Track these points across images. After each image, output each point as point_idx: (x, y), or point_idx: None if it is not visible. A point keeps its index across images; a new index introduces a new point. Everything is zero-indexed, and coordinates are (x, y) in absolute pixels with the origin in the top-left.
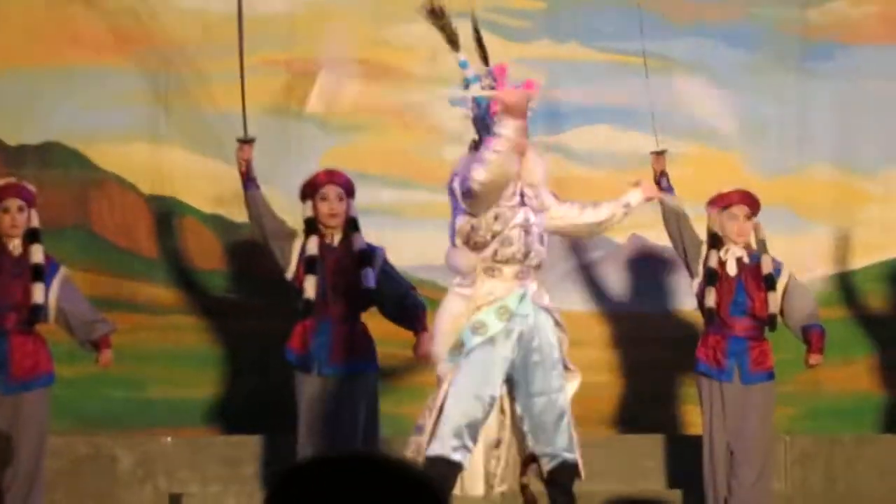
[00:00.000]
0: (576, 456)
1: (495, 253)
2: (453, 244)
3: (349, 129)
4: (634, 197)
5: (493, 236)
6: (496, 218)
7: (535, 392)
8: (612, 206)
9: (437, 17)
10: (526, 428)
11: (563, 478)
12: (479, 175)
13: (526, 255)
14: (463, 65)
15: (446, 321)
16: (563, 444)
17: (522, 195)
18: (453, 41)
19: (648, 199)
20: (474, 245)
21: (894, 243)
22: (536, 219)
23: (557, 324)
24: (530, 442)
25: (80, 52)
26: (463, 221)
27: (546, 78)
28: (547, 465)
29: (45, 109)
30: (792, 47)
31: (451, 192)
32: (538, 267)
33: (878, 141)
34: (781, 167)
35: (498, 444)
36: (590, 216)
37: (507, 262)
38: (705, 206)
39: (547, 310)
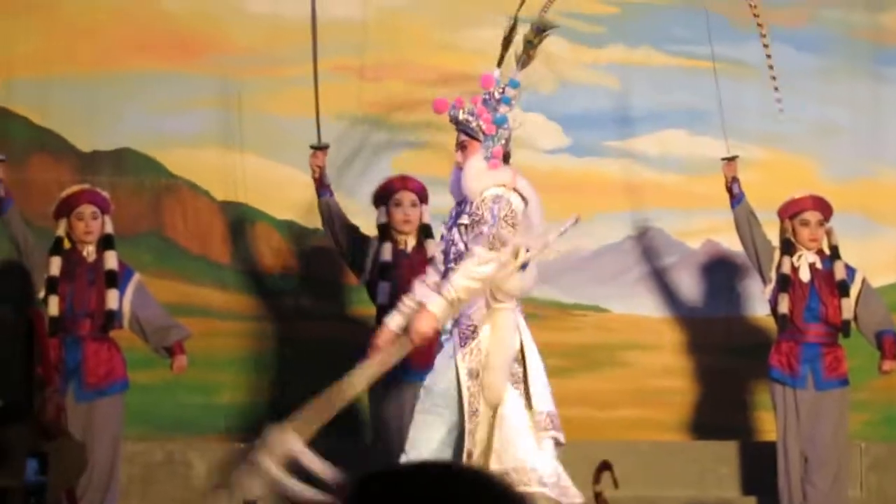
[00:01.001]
0: None
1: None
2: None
3: (422, 133)
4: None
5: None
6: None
7: None
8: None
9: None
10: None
11: None
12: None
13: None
14: (514, 84)
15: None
16: None
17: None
18: (525, 63)
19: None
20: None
21: None
22: (452, 235)
23: None
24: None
25: (151, 57)
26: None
27: (619, 82)
28: None
29: (118, 116)
30: (863, 51)
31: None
32: None
33: None
34: (853, 172)
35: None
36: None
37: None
38: (777, 211)
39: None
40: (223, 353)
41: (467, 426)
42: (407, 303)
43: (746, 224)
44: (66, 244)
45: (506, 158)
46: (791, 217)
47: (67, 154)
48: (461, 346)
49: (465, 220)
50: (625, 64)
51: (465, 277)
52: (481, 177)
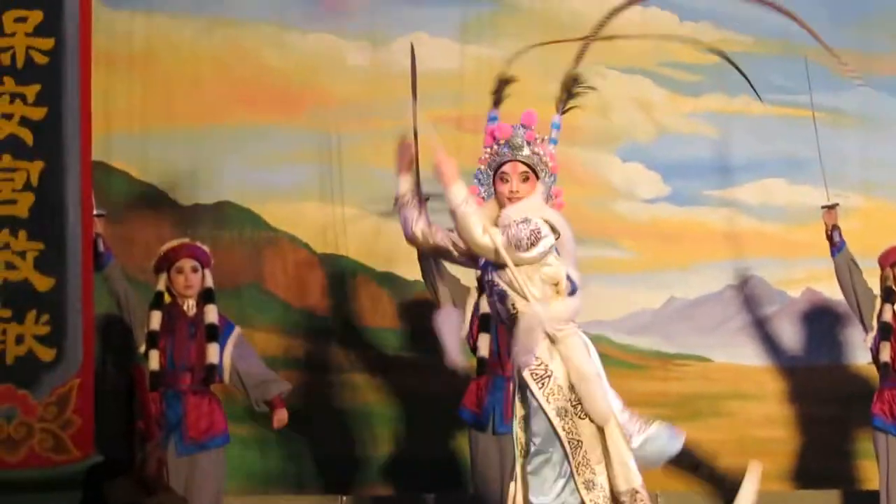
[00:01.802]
0: None
1: None
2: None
3: None
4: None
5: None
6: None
7: None
8: None
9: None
10: None
11: None
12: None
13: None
14: (556, 126)
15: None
16: None
17: None
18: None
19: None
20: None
21: None
22: (492, 275)
23: None
24: None
25: (249, 111)
26: None
27: (718, 131)
28: None
29: (218, 169)
30: None
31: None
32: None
33: None
34: None
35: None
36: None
37: None
38: (878, 259)
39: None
40: (324, 406)
41: (572, 462)
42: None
43: (847, 272)
44: (167, 298)
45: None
46: (892, 265)
47: (167, 208)
48: (540, 388)
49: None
50: (724, 113)
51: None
52: (530, 210)
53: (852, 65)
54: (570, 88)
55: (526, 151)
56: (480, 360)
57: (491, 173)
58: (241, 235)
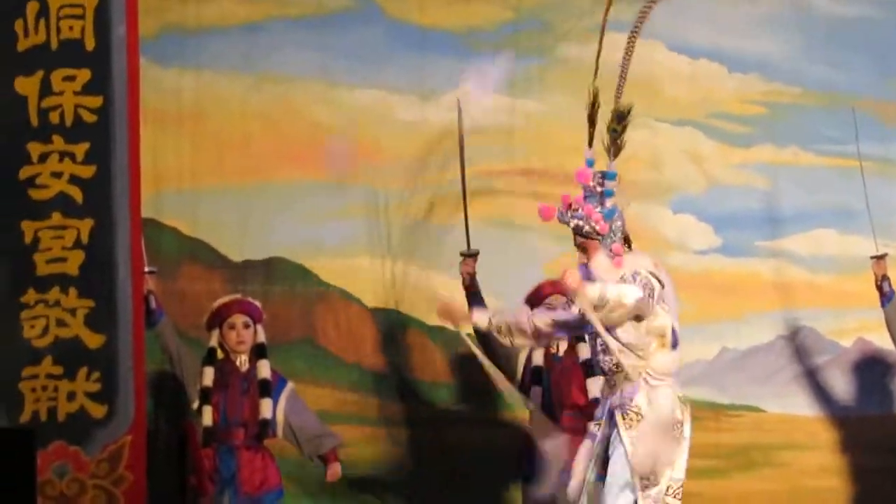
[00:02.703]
0: None
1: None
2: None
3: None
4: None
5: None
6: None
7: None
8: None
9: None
10: None
11: None
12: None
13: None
14: (611, 177)
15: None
16: None
17: None
18: (616, 152)
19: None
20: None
21: None
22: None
23: None
24: None
25: (298, 167)
26: None
27: (768, 182)
28: None
29: (268, 225)
30: None
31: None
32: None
33: None
34: None
35: None
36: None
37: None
38: None
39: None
40: (378, 460)
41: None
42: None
43: None
44: (220, 354)
45: (627, 243)
46: None
47: (218, 264)
48: (627, 429)
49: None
50: (773, 164)
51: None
52: (615, 270)
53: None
54: (616, 129)
55: (573, 223)
56: (532, 412)
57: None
58: (292, 291)
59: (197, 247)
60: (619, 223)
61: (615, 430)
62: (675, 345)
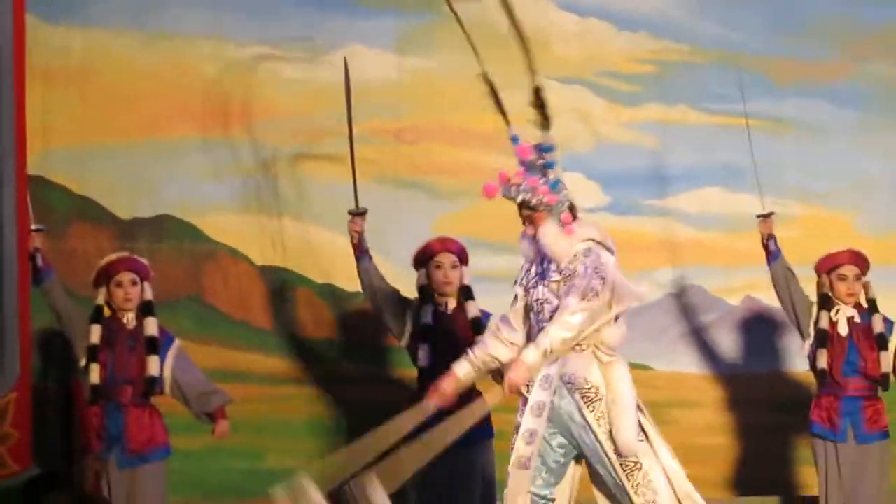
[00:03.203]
0: None
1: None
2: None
3: (459, 195)
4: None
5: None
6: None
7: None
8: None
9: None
10: None
11: None
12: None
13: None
14: (549, 149)
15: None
16: None
17: (543, 273)
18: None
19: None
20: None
21: None
22: (550, 295)
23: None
24: None
25: (188, 124)
26: None
27: (656, 141)
28: None
29: (157, 183)
30: None
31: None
32: None
33: None
34: (892, 225)
35: None
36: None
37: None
38: (814, 267)
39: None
40: (265, 417)
41: (628, 484)
42: (477, 354)
43: (784, 280)
44: (107, 312)
45: (573, 214)
46: (828, 272)
47: (107, 222)
48: (591, 411)
49: (555, 277)
50: (662, 122)
51: (559, 328)
52: (565, 238)
53: (788, 73)
54: (538, 101)
55: (520, 197)
56: (421, 370)
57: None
58: (180, 248)
59: (86, 204)
60: (564, 192)
61: (579, 412)
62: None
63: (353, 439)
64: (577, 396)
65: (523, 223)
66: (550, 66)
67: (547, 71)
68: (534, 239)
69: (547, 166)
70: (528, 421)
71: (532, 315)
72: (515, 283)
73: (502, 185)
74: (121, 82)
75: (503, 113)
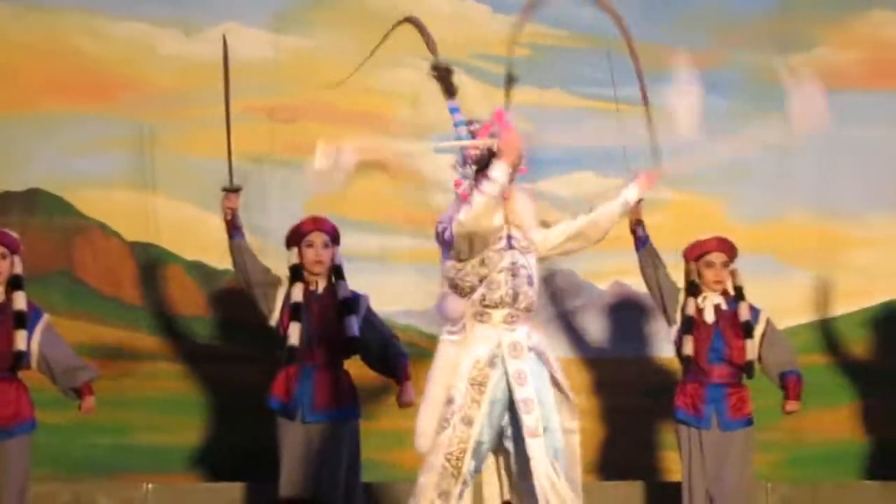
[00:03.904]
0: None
1: (483, 297)
2: (442, 290)
3: (334, 174)
4: (631, 193)
5: (480, 280)
6: (482, 262)
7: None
8: (608, 205)
9: (444, 73)
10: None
11: None
12: (462, 215)
13: (514, 298)
14: (453, 111)
15: (440, 370)
16: None
17: (510, 238)
18: (452, 92)
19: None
20: (461, 291)
21: (876, 289)
22: (524, 261)
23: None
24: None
25: (61, 98)
26: (448, 266)
27: (530, 124)
28: None
29: (29, 156)
30: (772, 93)
31: (438, 238)
32: (528, 310)
33: (860, 186)
34: (763, 213)
35: None
36: (582, 219)
37: (495, 306)
38: (682, 253)
39: (539, 351)
40: (133, 393)
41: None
42: None
43: (651, 266)
44: None
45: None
46: (696, 259)
47: None
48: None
49: (524, 242)
50: (536, 105)
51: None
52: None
53: (660, 59)
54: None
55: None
56: (290, 349)
57: (475, 168)
58: (51, 222)
59: None
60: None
61: (542, 372)
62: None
63: (219, 417)
64: (545, 357)
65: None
66: (424, 47)
67: (421, 51)
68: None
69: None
70: (518, 392)
71: (506, 277)
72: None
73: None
74: None
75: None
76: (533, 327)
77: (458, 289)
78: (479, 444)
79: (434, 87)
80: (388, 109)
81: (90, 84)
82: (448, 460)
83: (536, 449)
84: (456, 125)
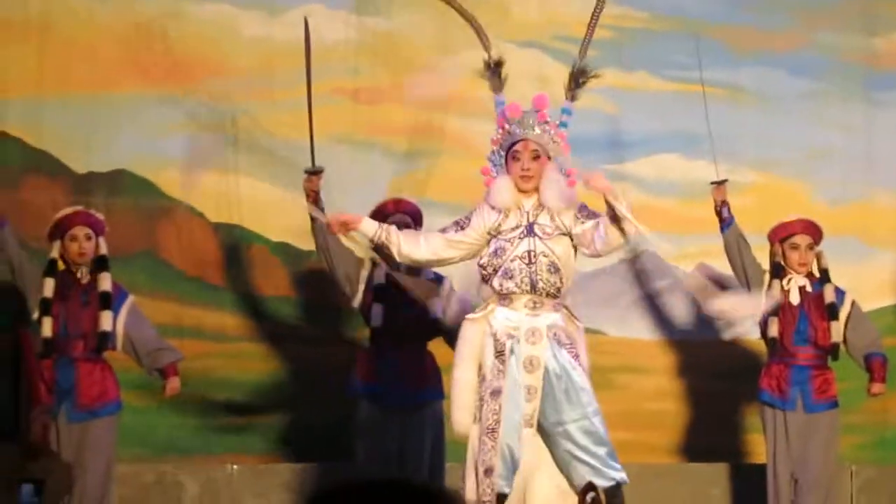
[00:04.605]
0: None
1: (500, 285)
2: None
3: (416, 156)
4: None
5: (495, 270)
6: (496, 252)
7: (567, 420)
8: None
9: (494, 67)
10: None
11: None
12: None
13: (532, 285)
14: (568, 112)
15: (465, 351)
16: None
17: (531, 225)
18: (499, 87)
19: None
20: (482, 277)
21: None
22: (546, 248)
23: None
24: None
25: (145, 80)
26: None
27: (614, 107)
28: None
29: (113, 137)
30: (857, 75)
31: None
32: (553, 296)
33: None
34: (847, 195)
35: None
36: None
37: (513, 293)
38: (767, 235)
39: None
40: (216, 375)
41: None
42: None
43: (736, 248)
44: (61, 266)
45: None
46: (781, 241)
47: (62, 175)
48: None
49: (549, 228)
50: (620, 88)
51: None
52: (568, 188)
53: (747, 41)
54: (578, 79)
55: (537, 131)
56: (374, 331)
57: (503, 153)
58: (135, 204)
59: (41, 157)
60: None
61: (561, 363)
62: None
63: (301, 397)
64: (565, 349)
65: (517, 159)
66: (509, 29)
67: (505, 34)
68: (504, 179)
69: (563, 125)
70: (525, 378)
71: (520, 265)
72: (465, 220)
73: (536, 108)
74: (79, 36)
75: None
76: (566, 317)
77: (480, 275)
78: (509, 416)
79: (518, 70)
80: (470, 90)
81: (174, 66)
82: (487, 434)
83: (527, 439)
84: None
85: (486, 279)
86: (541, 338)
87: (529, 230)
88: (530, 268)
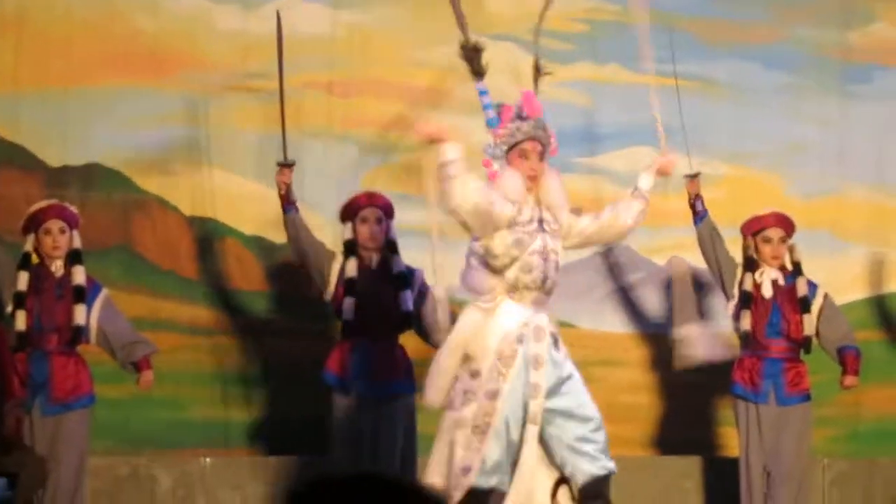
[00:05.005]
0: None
1: (517, 279)
2: (469, 265)
3: (390, 150)
4: (644, 181)
5: (513, 261)
6: (516, 243)
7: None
8: (626, 200)
9: (472, 53)
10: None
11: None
12: (451, 202)
13: (543, 281)
14: (482, 93)
15: (463, 332)
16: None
17: (541, 221)
18: (480, 74)
19: (660, 175)
20: (492, 269)
21: None
22: (554, 245)
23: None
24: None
25: (119, 73)
26: (477, 245)
27: (587, 100)
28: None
29: (87, 131)
30: (832, 69)
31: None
32: (550, 294)
33: None
34: (820, 189)
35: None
36: (607, 213)
37: (526, 287)
38: (740, 228)
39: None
40: (190, 368)
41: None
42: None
43: (709, 241)
44: (35, 259)
45: None
46: (754, 234)
47: (36, 169)
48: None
49: (554, 225)
50: (593, 81)
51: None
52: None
53: (721, 34)
54: (468, 56)
55: (547, 133)
56: (345, 324)
57: (506, 148)
58: (109, 197)
59: (14, 151)
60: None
61: (558, 358)
62: None
63: (276, 391)
64: (558, 345)
65: (526, 157)
66: (483, 22)
67: (479, 27)
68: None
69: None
70: (531, 375)
71: (538, 260)
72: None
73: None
74: (55, 30)
75: (479, 74)
76: (551, 314)
77: (488, 266)
78: (504, 420)
79: (492, 64)
80: (443, 85)
81: (148, 59)
82: (475, 434)
83: (531, 436)
84: (484, 108)
85: (496, 269)
86: (544, 335)
87: (540, 226)
88: (545, 264)
